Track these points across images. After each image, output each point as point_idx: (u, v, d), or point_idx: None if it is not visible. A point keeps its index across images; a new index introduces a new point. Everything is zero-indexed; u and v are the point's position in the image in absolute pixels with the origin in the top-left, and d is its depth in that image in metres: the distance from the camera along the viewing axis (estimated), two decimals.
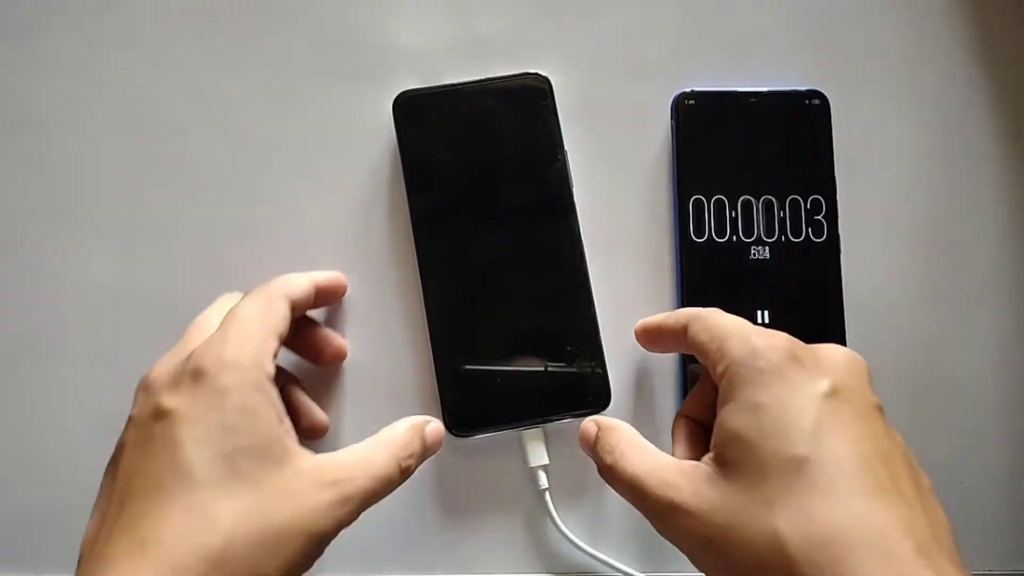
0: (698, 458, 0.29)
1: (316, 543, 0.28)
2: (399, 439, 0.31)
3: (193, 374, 0.29)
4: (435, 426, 0.33)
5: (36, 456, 0.39)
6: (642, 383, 0.39)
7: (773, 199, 0.39)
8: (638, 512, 0.36)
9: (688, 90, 0.40)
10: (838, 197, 0.39)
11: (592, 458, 0.32)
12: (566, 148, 0.38)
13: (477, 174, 0.38)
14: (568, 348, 0.37)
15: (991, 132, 0.41)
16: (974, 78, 0.41)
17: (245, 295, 0.33)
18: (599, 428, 0.32)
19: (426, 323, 0.37)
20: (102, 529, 0.28)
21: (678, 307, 0.39)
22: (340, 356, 0.38)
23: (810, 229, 0.39)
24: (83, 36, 0.41)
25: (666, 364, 0.39)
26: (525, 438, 0.37)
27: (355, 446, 0.30)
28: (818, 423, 0.26)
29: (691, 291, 0.38)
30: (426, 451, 0.32)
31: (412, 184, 0.38)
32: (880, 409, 0.28)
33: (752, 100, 0.39)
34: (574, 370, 0.37)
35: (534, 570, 0.38)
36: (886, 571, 0.23)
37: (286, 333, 0.32)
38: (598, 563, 0.37)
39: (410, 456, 0.31)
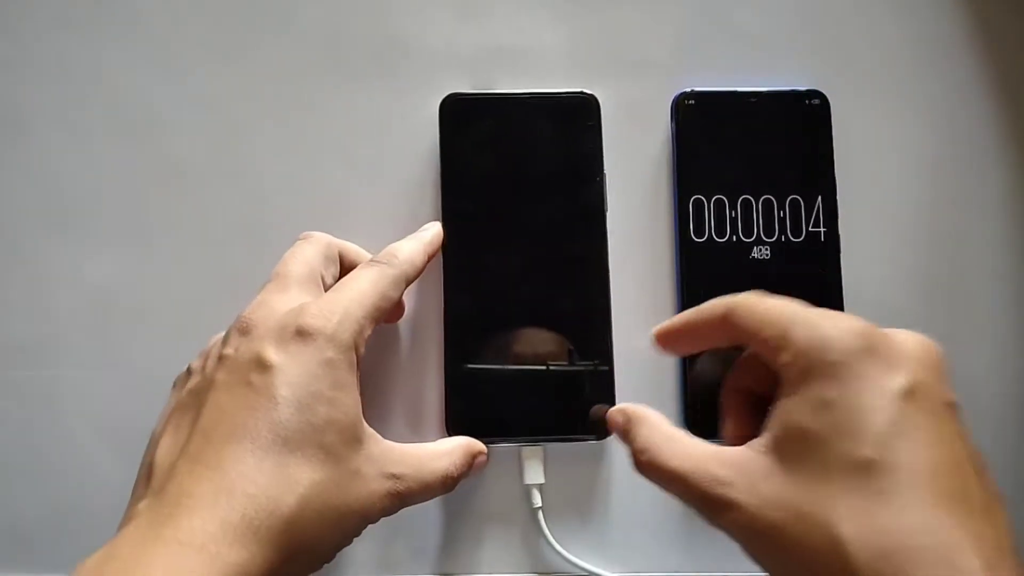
0: (748, 435, 0.28)
1: (363, 526, 0.29)
2: (455, 456, 0.33)
3: (300, 334, 0.29)
4: (484, 459, 0.35)
5: (36, 457, 0.39)
6: (642, 388, 0.39)
7: (773, 199, 0.39)
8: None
9: (688, 90, 0.40)
10: (838, 197, 0.39)
11: (625, 447, 0.31)
12: (605, 171, 0.38)
13: (513, 185, 0.38)
14: (579, 374, 0.37)
15: (992, 131, 0.41)
16: (975, 77, 0.41)
17: (369, 263, 0.33)
18: (628, 419, 0.31)
19: (442, 326, 0.37)
20: (182, 460, 0.28)
21: (679, 308, 0.39)
22: (399, 316, 0.39)
23: (810, 229, 0.39)
24: (85, 37, 0.41)
25: (666, 373, 0.39)
26: (524, 455, 0.37)
27: (417, 446, 0.32)
28: (891, 425, 0.25)
29: (691, 291, 0.38)
30: (470, 469, 0.34)
31: (447, 187, 0.38)
32: (954, 407, 0.27)
33: (752, 100, 0.39)
34: (582, 394, 0.37)
35: None
36: None
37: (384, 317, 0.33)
38: None
39: (459, 475, 0.33)
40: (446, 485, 0.32)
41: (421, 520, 0.38)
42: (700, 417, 0.37)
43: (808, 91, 0.40)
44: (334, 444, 0.28)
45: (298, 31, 0.41)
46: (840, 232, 0.39)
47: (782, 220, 0.39)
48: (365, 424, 0.30)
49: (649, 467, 0.29)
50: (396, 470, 0.30)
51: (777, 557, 0.25)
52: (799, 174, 0.39)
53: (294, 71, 0.41)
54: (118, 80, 0.41)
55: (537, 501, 0.37)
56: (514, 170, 0.38)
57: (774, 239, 0.38)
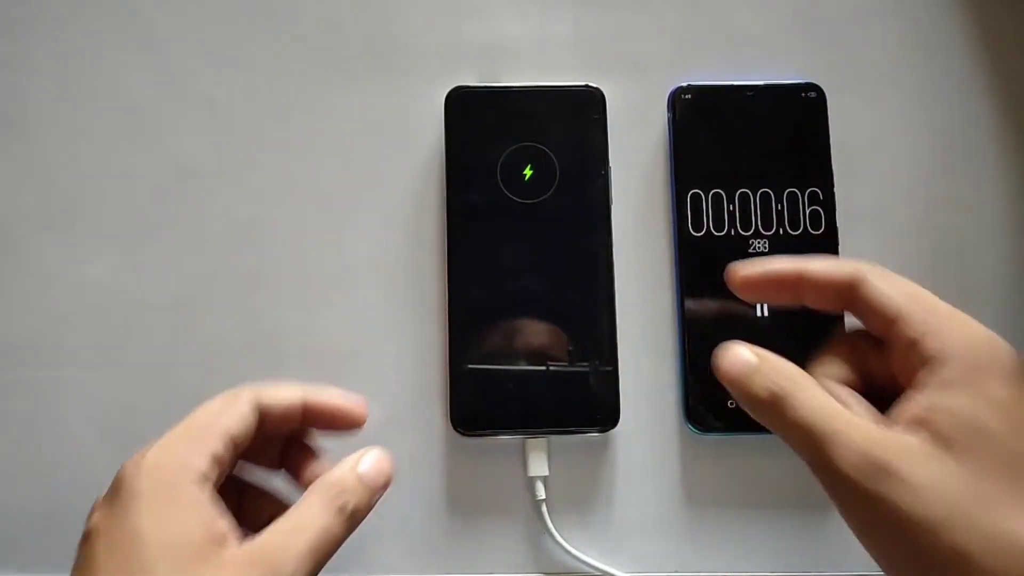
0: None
1: None
2: (328, 482, 0.29)
3: (114, 487, 0.28)
4: (372, 456, 0.29)
5: (36, 456, 0.39)
6: (643, 384, 0.39)
7: (771, 192, 0.39)
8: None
9: (685, 84, 0.40)
10: (835, 190, 0.39)
11: (737, 392, 0.28)
12: (610, 164, 0.39)
13: (519, 178, 0.38)
14: (584, 365, 0.37)
15: (988, 125, 0.41)
16: (971, 71, 0.41)
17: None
18: (760, 360, 0.27)
19: (447, 319, 0.37)
20: None
21: (677, 303, 0.39)
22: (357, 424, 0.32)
23: (808, 222, 0.39)
24: (85, 37, 0.41)
25: (666, 370, 0.39)
26: (528, 447, 0.37)
27: (288, 511, 0.28)
28: None
29: (689, 285, 0.38)
30: (367, 486, 0.29)
31: (452, 180, 0.38)
32: None
33: (748, 94, 0.39)
34: (587, 388, 0.37)
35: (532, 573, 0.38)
36: None
37: (243, 437, 0.29)
38: (596, 572, 0.37)
39: (347, 496, 0.28)
40: (343, 513, 0.28)
41: (423, 511, 0.38)
42: (701, 414, 0.37)
43: (804, 84, 0.40)
44: (167, 572, 0.25)
45: (298, 30, 0.41)
46: (837, 224, 0.39)
47: (780, 213, 0.39)
48: (213, 534, 0.26)
49: (778, 409, 0.26)
50: (264, 552, 0.26)
51: (927, 550, 0.23)
52: (796, 167, 0.39)
53: (294, 70, 0.41)
54: (118, 80, 0.41)
55: (541, 494, 0.37)
56: (519, 163, 0.38)
57: (772, 232, 0.38)
